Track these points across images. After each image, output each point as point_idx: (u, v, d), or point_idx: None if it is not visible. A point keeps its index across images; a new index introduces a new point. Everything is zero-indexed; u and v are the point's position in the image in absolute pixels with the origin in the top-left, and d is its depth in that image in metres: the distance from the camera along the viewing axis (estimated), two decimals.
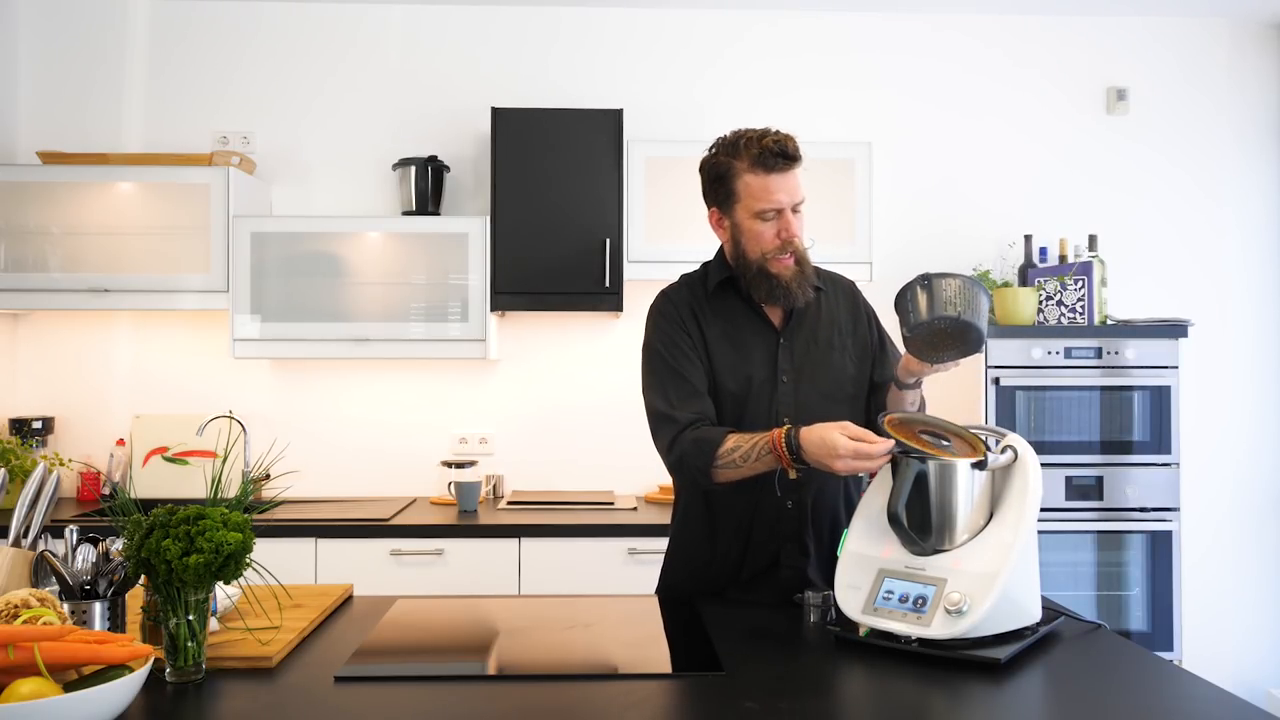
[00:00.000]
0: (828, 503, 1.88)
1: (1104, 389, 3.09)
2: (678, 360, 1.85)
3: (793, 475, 1.71)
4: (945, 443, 1.59)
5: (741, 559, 1.86)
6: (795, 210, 1.81)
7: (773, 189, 1.78)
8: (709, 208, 1.90)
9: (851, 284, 2.04)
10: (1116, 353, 3.09)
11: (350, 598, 1.88)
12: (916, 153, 3.60)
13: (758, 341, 1.87)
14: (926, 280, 1.64)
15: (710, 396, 1.84)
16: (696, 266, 1.99)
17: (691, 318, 1.88)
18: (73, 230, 3.16)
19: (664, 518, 2.80)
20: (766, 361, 1.86)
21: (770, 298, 1.85)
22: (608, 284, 3.17)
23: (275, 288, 3.17)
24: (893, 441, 1.58)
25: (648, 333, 1.93)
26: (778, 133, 1.79)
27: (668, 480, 2.73)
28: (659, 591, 2.00)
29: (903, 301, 1.67)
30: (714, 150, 1.86)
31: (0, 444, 3.21)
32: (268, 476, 3.24)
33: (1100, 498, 3.07)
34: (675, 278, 2.00)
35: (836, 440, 1.60)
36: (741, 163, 1.80)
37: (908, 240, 3.57)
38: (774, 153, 1.77)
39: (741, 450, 1.71)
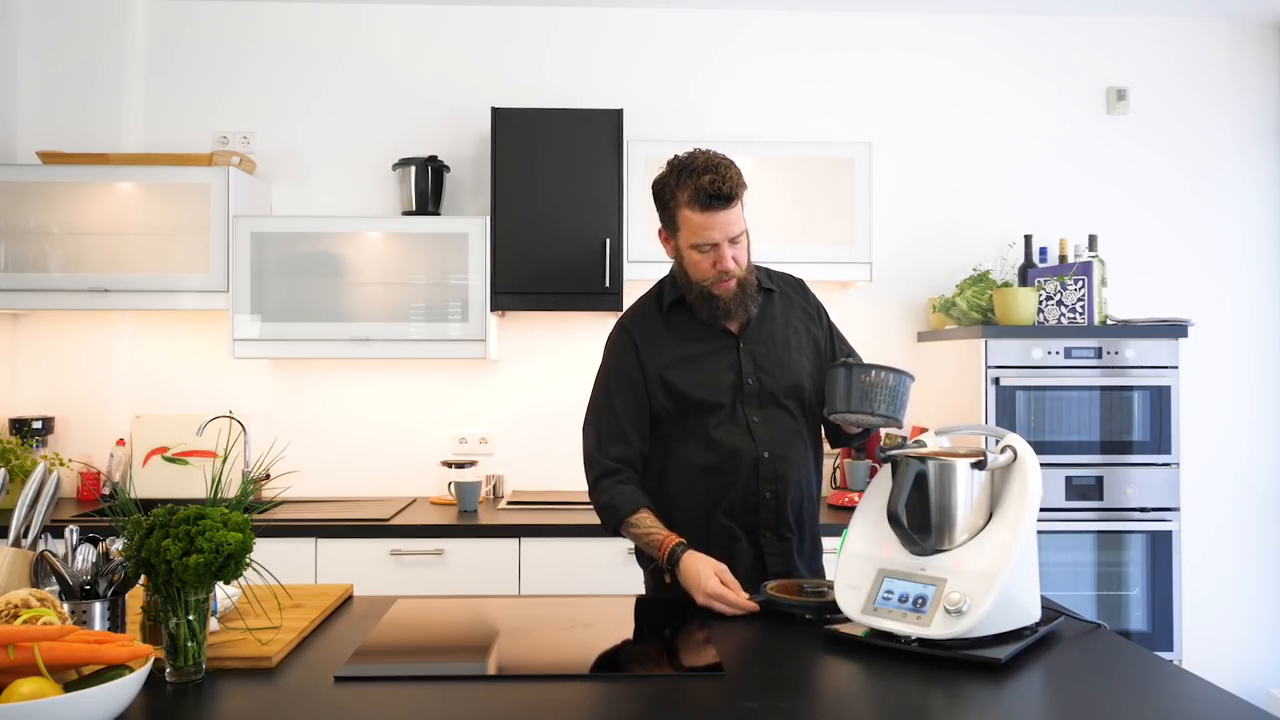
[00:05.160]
0: (800, 493, 1.98)
1: (1104, 389, 3.09)
2: (619, 394, 1.98)
3: (666, 580, 1.87)
4: (825, 590, 1.72)
5: (729, 552, 1.93)
6: (735, 241, 1.90)
7: (708, 226, 1.86)
8: (660, 224, 1.99)
9: (800, 282, 2.13)
10: (1116, 353, 3.09)
11: (350, 598, 1.88)
12: (917, 153, 3.60)
13: (719, 350, 1.98)
14: (848, 369, 1.74)
15: (666, 415, 1.96)
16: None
17: (647, 348, 1.98)
18: (73, 230, 3.16)
19: None
20: (730, 367, 1.96)
21: (712, 318, 1.96)
22: (608, 284, 3.17)
23: (275, 288, 3.17)
24: (754, 604, 1.71)
25: (601, 362, 2.05)
26: (716, 170, 1.85)
27: None
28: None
29: (828, 382, 1.78)
30: (664, 171, 1.94)
31: (0, 444, 3.21)
32: (268, 476, 3.24)
33: (1100, 498, 3.07)
34: None
35: (706, 583, 1.74)
36: (682, 194, 1.87)
37: (908, 241, 3.57)
38: (710, 194, 1.83)
39: (639, 531, 1.90)
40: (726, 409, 1.93)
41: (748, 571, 1.90)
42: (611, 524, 1.95)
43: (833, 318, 2.12)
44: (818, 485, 2.05)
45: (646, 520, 1.90)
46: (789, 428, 1.95)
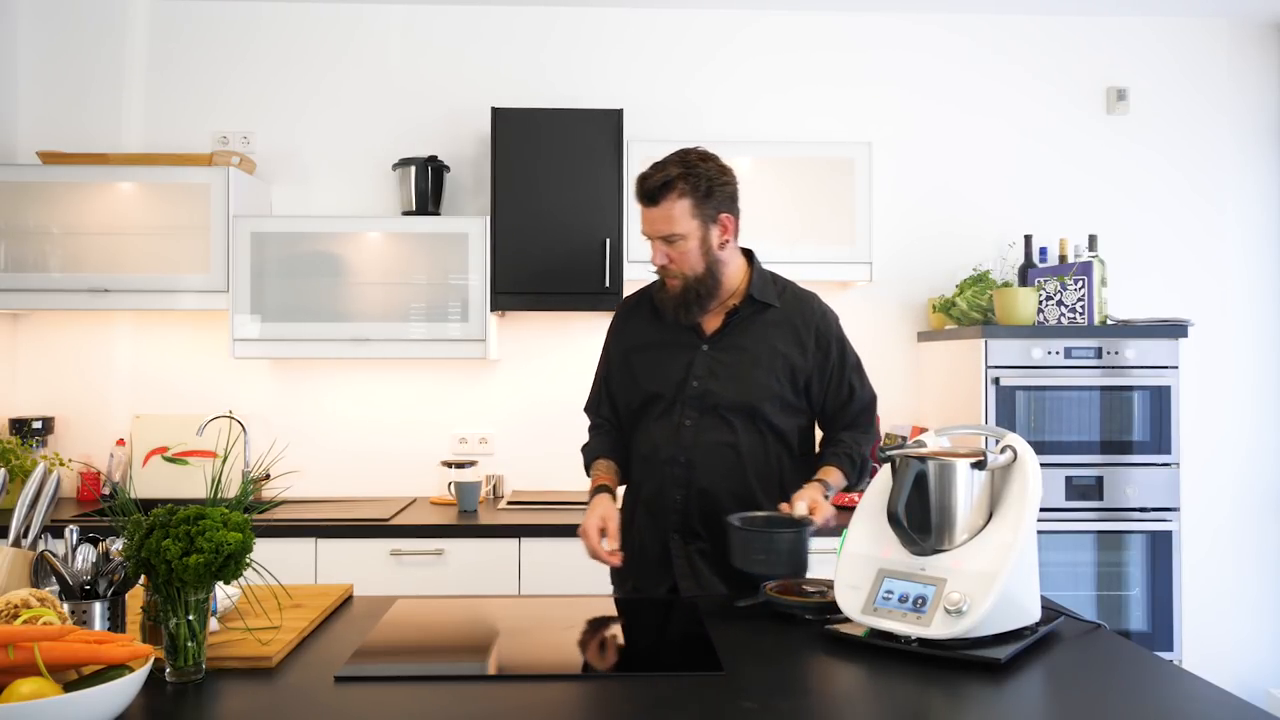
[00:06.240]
0: (715, 503, 1.96)
1: (1104, 389, 3.09)
2: (605, 367, 2.18)
3: None
4: (825, 590, 1.73)
5: (643, 541, 2.00)
6: (670, 241, 1.93)
7: (642, 219, 1.98)
8: None
9: (810, 306, 2.06)
10: (1116, 353, 3.09)
11: (350, 598, 1.88)
12: (917, 153, 3.60)
13: (679, 347, 2.02)
14: (739, 532, 1.77)
15: (626, 397, 2.10)
16: None
17: (626, 326, 2.14)
18: (73, 230, 3.16)
19: None
20: (683, 367, 2.00)
21: (663, 306, 2.03)
22: (608, 284, 3.17)
23: (275, 288, 3.17)
24: (612, 559, 1.89)
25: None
26: (654, 168, 1.93)
27: None
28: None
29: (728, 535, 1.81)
30: None
31: (0, 444, 3.21)
32: (268, 476, 3.24)
33: (1100, 498, 3.07)
34: None
35: (587, 521, 1.93)
36: None
37: (908, 241, 3.57)
38: (641, 190, 1.95)
39: (592, 475, 2.09)
40: (665, 403, 2.00)
41: (656, 564, 1.97)
42: (586, 463, 2.14)
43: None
44: (762, 501, 1.96)
45: (599, 466, 2.08)
46: (721, 439, 1.96)
